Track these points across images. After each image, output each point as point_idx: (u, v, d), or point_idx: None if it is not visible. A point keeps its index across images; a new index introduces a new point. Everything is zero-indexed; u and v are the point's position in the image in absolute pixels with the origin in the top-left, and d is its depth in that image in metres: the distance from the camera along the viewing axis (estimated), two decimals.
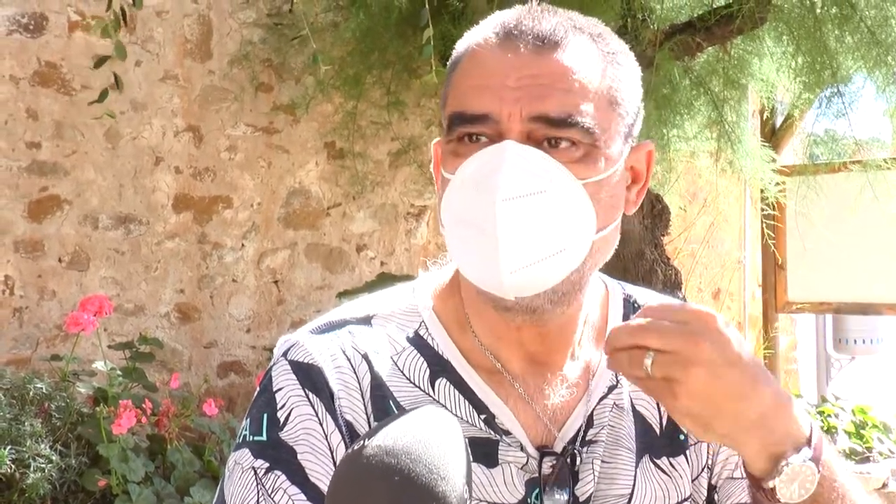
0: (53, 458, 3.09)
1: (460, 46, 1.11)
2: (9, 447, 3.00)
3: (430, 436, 0.90)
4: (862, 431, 5.24)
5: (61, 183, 3.95)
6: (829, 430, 5.11)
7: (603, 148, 1.04)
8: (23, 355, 3.84)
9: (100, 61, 3.32)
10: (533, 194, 1.00)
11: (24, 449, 3.04)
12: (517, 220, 1.00)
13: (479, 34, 1.08)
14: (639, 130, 1.12)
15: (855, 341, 7.19)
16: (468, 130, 1.04)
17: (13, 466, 2.99)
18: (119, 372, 3.56)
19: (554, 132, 1.02)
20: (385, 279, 4.02)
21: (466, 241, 1.04)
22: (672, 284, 4.15)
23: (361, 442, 0.91)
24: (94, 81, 3.99)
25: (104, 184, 4.05)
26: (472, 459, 1.06)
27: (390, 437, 0.89)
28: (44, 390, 3.33)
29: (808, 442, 1.00)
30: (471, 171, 1.03)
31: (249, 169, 4.45)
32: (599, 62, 1.06)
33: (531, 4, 1.08)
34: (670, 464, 1.17)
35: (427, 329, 1.14)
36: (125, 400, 3.31)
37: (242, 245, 4.43)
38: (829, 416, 5.25)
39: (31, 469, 3.02)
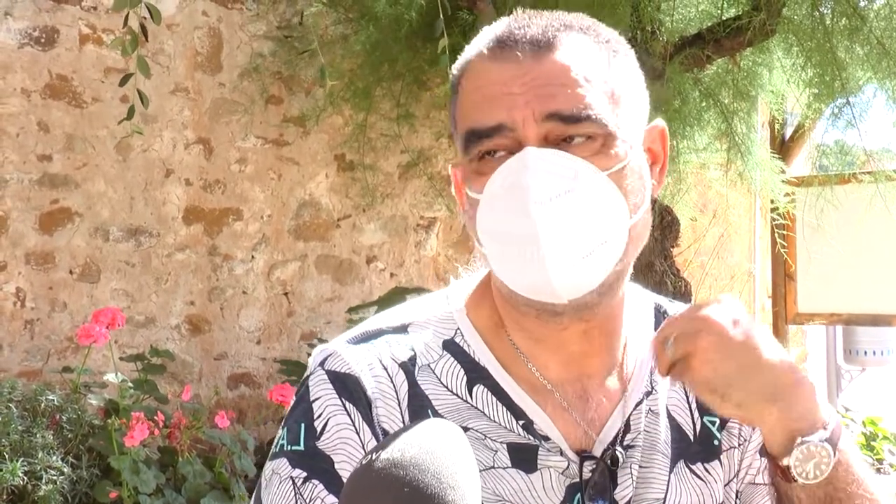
0: (65, 469, 3.10)
1: (456, 69, 1.11)
2: (21, 459, 3.00)
3: (437, 446, 0.91)
4: (873, 443, 5.22)
5: (72, 195, 3.97)
6: None
7: (618, 135, 1.05)
8: (34, 367, 3.85)
9: (124, 79, 3.33)
10: (562, 195, 1.01)
11: (36, 461, 3.05)
12: (554, 221, 1.01)
13: (473, 50, 1.09)
14: (647, 112, 1.13)
15: (865, 353, 7.16)
16: (485, 147, 1.05)
17: (25, 478, 3.00)
18: (130, 384, 3.56)
19: (569, 129, 1.03)
20: (397, 293, 4.02)
21: (507, 256, 1.04)
22: (681, 296, 4.14)
23: (369, 456, 0.91)
24: (105, 94, 4.01)
25: (115, 196, 4.06)
26: (511, 465, 1.08)
27: (398, 450, 0.89)
28: (55, 402, 3.33)
29: (826, 426, 1.03)
30: (497, 186, 1.03)
31: (259, 181, 4.46)
32: (596, 53, 1.07)
33: (517, 13, 1.09)
34: (705, 469, 1.17)
35: (463, 336, 1.15)
36: (137, 412, 3.31)
37: (252, 257, 4.44)
38: None
39: (43, 481, 3.03)
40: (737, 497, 1.20)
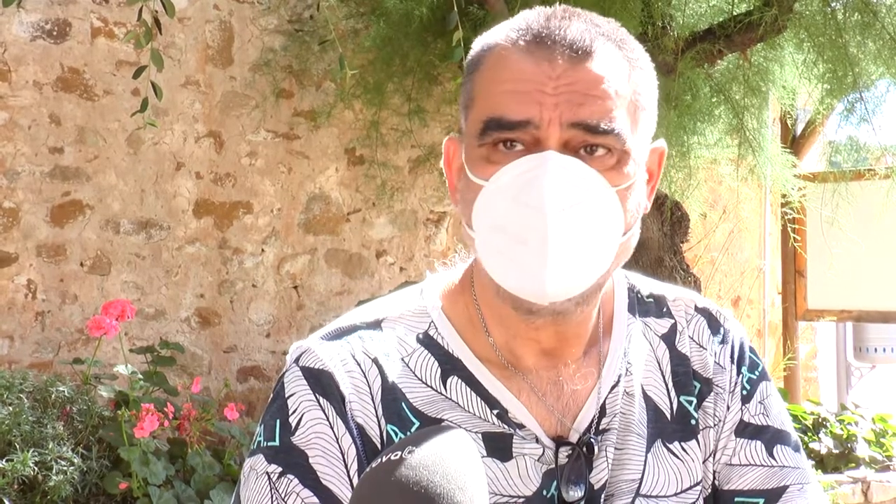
0: (75, 460, 3.11)
1: (479, 47, 1.11)
2: (31, 450, 3.02)
3: (446, 450, 0.93)
4: (882, 440, 5.21)
5: (83, 188, 3.98)
6: (849, 439, 5.08)
7: (632, 153, 1.06)
8: (44, 359, 3.87)
9: (138, 72, 3.34)
10: (574, 205, 1.02)
11: (47, 451, 3.06)
12: (565, 231, 1.01)
13: (504, 35, 1.08)
14: (654, 128, 1.14)
15: (875, 350, 7.16)
16: (505, 136, 1.05)
17: (36, 469, 3.02)
18: (140, 376, 3.58)
19: (591, 139, 1.03)
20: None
21: (504, 250, 1.04)
22: None
23: (380, 458, 0.94)
24: (117, 87, 4.02)
25: (126, 189, 4.07)
26: (486, 454, 1.09)
27: (408, 452, 0.92)
28: (66, 394, 3.35)
29: None
30: (509, 180, 1.04)
31: (270, 175, 4.47)
32: (626, 69, 1.07)
33: (555, 7, 1.09)
34: (682, 448, 1.19)
35: (437, 329, 1.16)
36: (147, 403, 3.33)
37: (262, 250, 4.45)
38: (849, 424, 5.22)
39: (54, 471, 3.04)
40: (714, 477, 1.21)
